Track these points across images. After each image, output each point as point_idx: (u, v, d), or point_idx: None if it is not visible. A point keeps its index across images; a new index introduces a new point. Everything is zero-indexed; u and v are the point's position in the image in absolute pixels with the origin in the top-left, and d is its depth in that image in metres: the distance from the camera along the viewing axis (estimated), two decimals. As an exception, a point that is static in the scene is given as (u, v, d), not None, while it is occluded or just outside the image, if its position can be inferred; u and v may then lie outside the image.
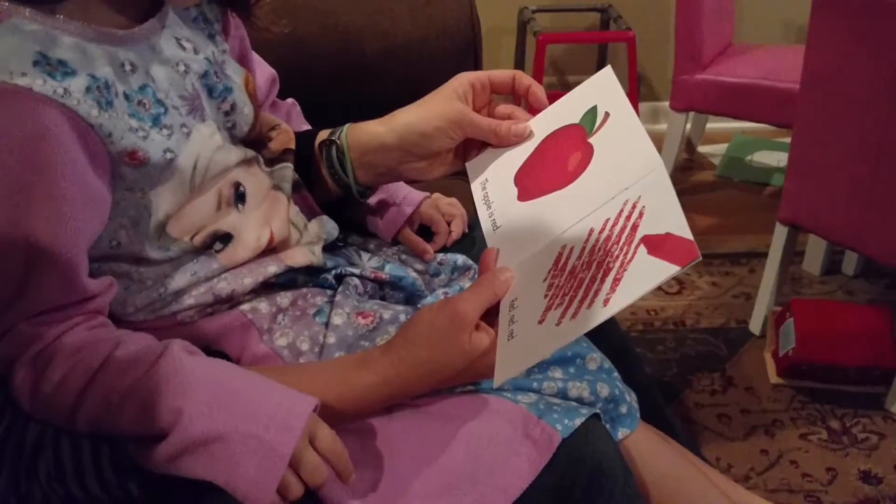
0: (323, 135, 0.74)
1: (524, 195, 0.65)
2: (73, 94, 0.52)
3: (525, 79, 0.69)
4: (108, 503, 0.55)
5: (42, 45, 0.53)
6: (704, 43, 1.90)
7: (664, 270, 0.54)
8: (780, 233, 1.48)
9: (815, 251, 1.73)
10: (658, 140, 2.08)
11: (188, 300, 0.63)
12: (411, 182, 0.82)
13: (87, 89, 0.53)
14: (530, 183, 0.65)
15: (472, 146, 0.71)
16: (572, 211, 0.61)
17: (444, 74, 0.70)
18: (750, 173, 2.20)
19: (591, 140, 0.64)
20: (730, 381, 1.48)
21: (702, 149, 2.33)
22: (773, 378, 1.47)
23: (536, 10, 2.21)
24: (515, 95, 0.70)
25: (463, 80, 0.69)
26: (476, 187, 0.68)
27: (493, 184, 0.67)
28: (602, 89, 0.67)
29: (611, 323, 0.89)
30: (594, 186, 0.62)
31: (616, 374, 0.71)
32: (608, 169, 0.62)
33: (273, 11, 0.71)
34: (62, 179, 0.53)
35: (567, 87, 2.33)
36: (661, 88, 2.38)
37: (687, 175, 2.23)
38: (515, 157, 0.68)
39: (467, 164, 0.71)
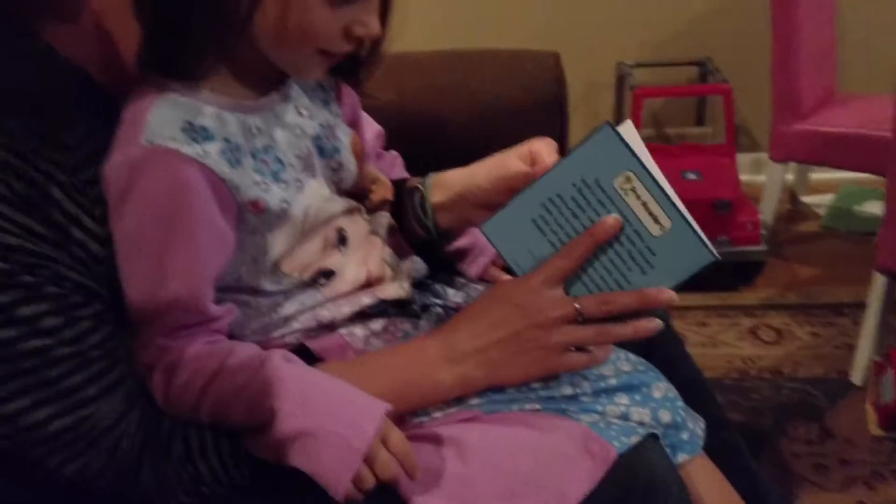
0: (412, 182, 0.84)
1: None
2: (211, 155, 0.64)
3: None
4: (226, 480, 0.66)
5: (189, 114, 0.65)
6: (803, 93, 1.91)
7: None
8: (879, 281, 1.46)
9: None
10: (758, 191, 2.09)
11: (295, 325, 0.74)
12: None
13: (222, 151, 0.65)
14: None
15: None
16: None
17: (531, 130, 0.80)
18: (857, 223, 2.16)
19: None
20: (828, 431, 1.45)
21: (806, 199, 2.30)
22: (874, 429, 1.44)
23: (634, 65, 2.27)
24: None
25: (532, 143, 0.78)
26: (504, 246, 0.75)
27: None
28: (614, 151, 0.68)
29: (684, 358, 0.93)
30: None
31: (680, 402, 0.76)
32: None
33: (378, 78, 0.82)
34: (198, 223, 0.64)
35: (666, 140, 2.37)
36: (763, 139, 2.38)
37: (790, 226, 2.21)
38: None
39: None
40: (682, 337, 0.97)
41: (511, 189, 0.75)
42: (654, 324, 0.71)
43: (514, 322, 0.70)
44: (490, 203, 0.78)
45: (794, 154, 1.97)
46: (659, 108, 2.40)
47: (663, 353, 0.86)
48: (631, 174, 0.67)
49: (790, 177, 2.27)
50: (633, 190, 0.67)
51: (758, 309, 1.84)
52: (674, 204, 0.66)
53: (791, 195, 2.30)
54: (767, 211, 2.04)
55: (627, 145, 0.66)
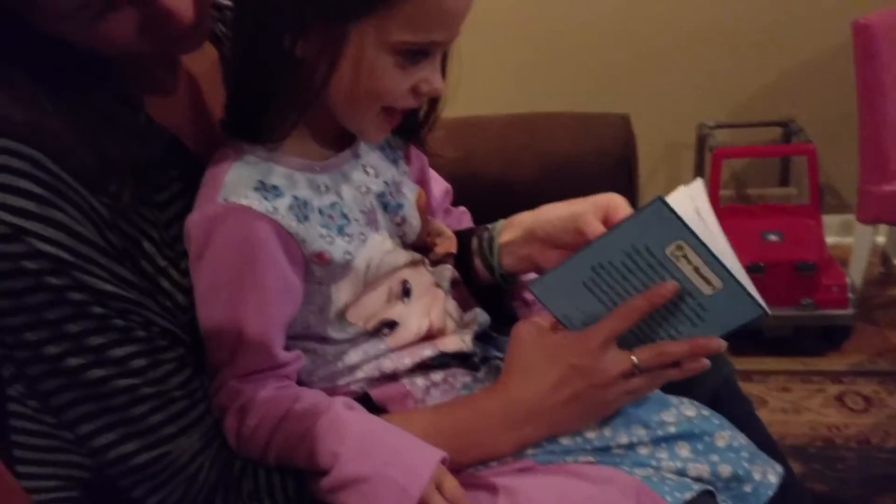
0: (481, 226, 0.90)
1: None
2: (280, 211, 0.69)
3: None
4: None
5: (262, 174, 0.70)
6: (891, 153, 1.86)
7: None
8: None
9: None
10: (847, 253, 2.03)
11: (359, 374, 0.77)
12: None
13: (290, 207, 0.70)
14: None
15: None
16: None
17: (599, 190, 0.82)
18: (955, 287, 2.07)
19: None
20: (921, 505, 1.39)
21: (900, 262, 2.22)
22: (970, 505, 1.36)
23: (715, 126, 2.26)
24: None
25: (605, 195, 0.81)
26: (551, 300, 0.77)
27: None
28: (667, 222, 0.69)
29: (751, 419, 0.92)
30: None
31: (745, 452, 0.75)
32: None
33: (446, 137, 0.87)
34: (268, 275, 0.69)
35: (747, 201, 2.35)
36: (851, 200, 2.32)
37: (882, 290, 2.13)
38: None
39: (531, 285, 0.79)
40: (750, 399, 0.96)
41: (579, 231, 0.78)
42: (701, 363, 0.72)
43: (574, 383, 0.72)
44: (557, 240, 0.82)
45: (883, 216, 1.90)
46: (742, 167, 2.38)
47: (729, 413, 0.85)
48: (682, 243, 0.68)
49: (881, 239, 2.19)
50: (685, 256, 0.68)
51: (845, 375, 1.77)
52: (724, 266, 0.68)
53: (883, 258, 2.22)
54: (856, 274, 1.98)
55: (679, 217, 0.67)
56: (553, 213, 0.83)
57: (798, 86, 2.30)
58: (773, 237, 1.92)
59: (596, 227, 0.77)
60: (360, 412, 0.71)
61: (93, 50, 0.65)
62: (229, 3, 0.85)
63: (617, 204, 0.80)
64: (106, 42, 0.63)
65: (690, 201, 0.73)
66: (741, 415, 0.90)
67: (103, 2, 0.60)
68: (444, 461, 0.67)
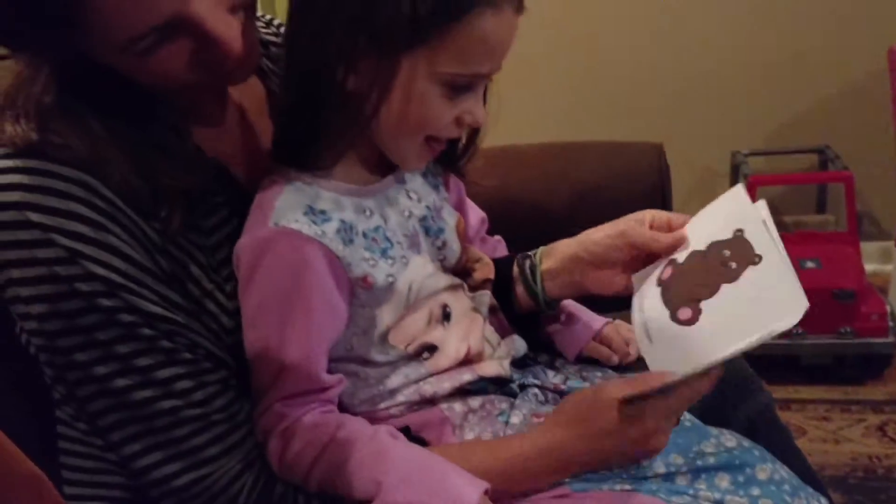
0: (522, 254, 0.91)
1: (674, 309, 0.73)
2: (327, 234, 0.71)
3: None
4: None
5: (310, 199, 0.73)
6: (930, 180, 1.85)
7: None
8: None
9: None
10: (886, 281, 2.00)
11: (399, 397, 0.78)
12: (598, 304, 0.94)
13: (337, 231, 0.72)
14: (677, 292, 0.75)
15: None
16: (721, 337, 0.68)
17: None
18: None
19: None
20: (966, 538, 1.35)
21: (942, 290, 2.18)
22: None
23: (749, 154, 2.25)
24: None
25: (645, 211, 0.83)
26: (635, 298, 0.79)
27: (648, 293, 0.77)
28: (738, 207, 0.77)
29: (792, 451, 0.90)
30: (739, 311, 0.69)
31: (787, 486, 0.74)
32: (753, 297, 0.69)
33: (483, 167, 0.88)
34: (315, 297, 0.71)
35: (783, 228, 2.33)
36: (891, 227, 2.29)
37: (924, 317, 2.09)
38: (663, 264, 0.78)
39: (633, 276, 0.81)
40: (788, 428, 0.95)
41: (631, 245, 0.80)
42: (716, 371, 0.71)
43: (625, 450, 0.71)
44: (606, 260, 0.83)
45: (923, 243, 1.88)
46: (777, 195, 2.36)
47: (768, 442, 0.84)
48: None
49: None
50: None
51: (887, 404, 1.74)
52: (781, 250, 0.71)
53: (925, 286, 2.18)
54: (895, 302, 1.95)
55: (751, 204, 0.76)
56: (597, 236, 0.85)
57: (834, 112, 2.29)
58: (810, 264, 1.91)
59: (648, 235, 0.80)
60: (404, 441, 0.72)
61: (147, 81, 0.68)
62: (274, 39, 0.88)
63: (655, 214, 0.82)
64: (159, 73, 0.66)
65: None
66: (780, 445, 0.89)
67: (157, 34, 0.63)
68: (486, 492, 0.67)
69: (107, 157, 0.67)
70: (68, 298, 0.65)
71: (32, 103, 0.67)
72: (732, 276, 0.71)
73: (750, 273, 0.70)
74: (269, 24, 0.92)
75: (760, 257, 0.71)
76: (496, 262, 0.92)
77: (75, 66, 0.68)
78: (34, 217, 0.64)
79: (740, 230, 0.74)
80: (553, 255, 0.88)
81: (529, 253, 0.91)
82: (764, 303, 0.68)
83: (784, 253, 0.70)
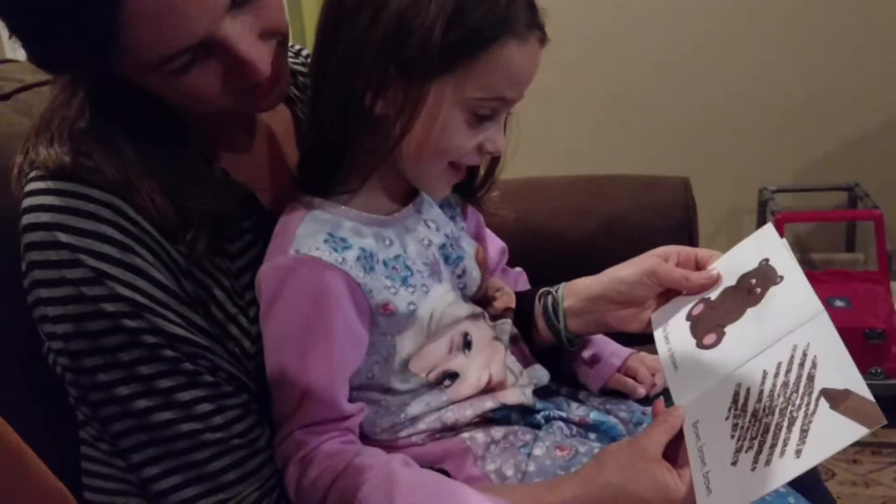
0: (544, 289, 0.90)
1: (700, 337, 0.73)
2: (348, 262, 0.71)
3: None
4: None
5: (331, 227, 0.73)
6: (962, 219, 1.82)
7: (852, 431, 0.59)
8: None
9: None
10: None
11: (421, 425, 0.78)
12: (619, 336, 0.93)
13: (358, 258, 0.72)
14: (704, 323, 0.74)
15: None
16: (742, 349, 0.69)
17: None
18: None
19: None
20: None
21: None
22: None
23: (776, 191, 2.24)
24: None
25: (668, 247, 0.83)
26: (658, 332, 0.78)
27: (674, 327, 0.77)
28: (765, 242, 0.77)
29: (823, 499, 0.89)
30: (759, 325, 0.69)
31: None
32: (772, 310, 0.69)
33: (501, 197, 0.89)
34: (336, 323, 0.71)
35: (812, 266, 2.30)
36: (922, 266, 2.25)
37: (957, 359, 2.04)
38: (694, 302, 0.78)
39: (652, 315, 0.81)
40: (817, 469, 0.92)
41: (659, 283, 0.80)
42: None
43: (643, 496, 0.68)
44: (632, 297, 0.83)
45: (956, 283, 1.85)
46: (806, 232, 2.34)
47: (795, 483, 0.82)
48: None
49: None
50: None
51: (919, 449, 1.70)
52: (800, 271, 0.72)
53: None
54: (927, 341, 1.91)
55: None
56: (622, 273, 0.84)
57: (863, 150, 2.27)
58: (840, 304, 1.88)
59: (679, 274, 0.80)
60: (416, 468, 0.72)
61: (179, 101, 0.69)
62: (302, 69, 0.90)
63: (680, 250, 0.82)
64: (191, 94, 0.67)
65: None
66: (808, 486, 0.87)
67: (190, 54, 0.64)
68: None
69: (136, 180, 0.68)
70: (93, 318, 0.65)
71: (66, 127, 0.69)
72: (756, 300, 0.72)
73: (771, 291, 0.71)
74: (297, 54, 0.94)
75: (782, 277, 0.72)
76: (517, 295, 0.92)
77: (109, 91, 0.69)
78: (63, 238, 0.65)
79: (766, 259, 0.75)
80: (576, 293, 0.88)
81: (551, 289, 0.90)
82: (780, 310, 0.69)
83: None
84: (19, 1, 0.60)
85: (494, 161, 0.81)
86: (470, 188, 0.84)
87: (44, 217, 0.66)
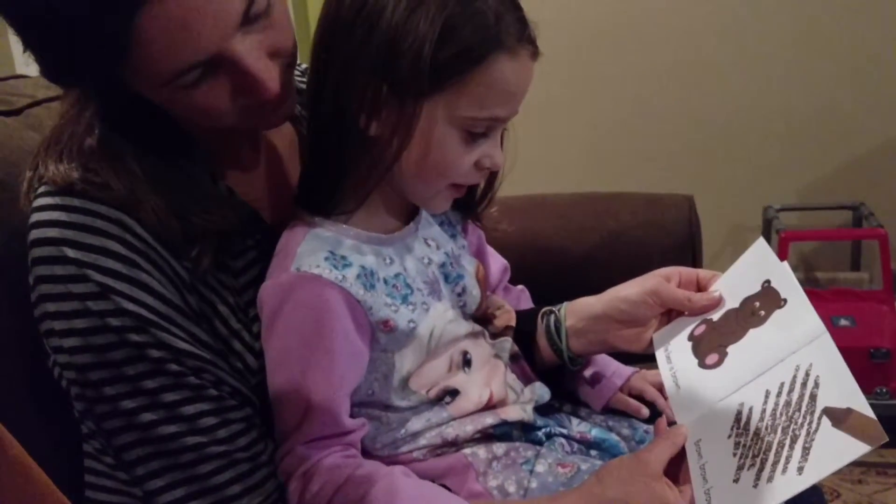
0: (546, 308, 0.90)
1: (702, 357, 0.74)
2: (348, 279, 0.72)
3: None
4: None
5: (332, 245, 0.74)
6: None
7: (854, 448, 0.59)
8: None
9: None
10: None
11: (422, 441, 0.78)
12: (620, 356, 0.93)
13: (358, 276, 0.73)
14: (706, 343, 0.75)
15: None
16: (744, 369, 0.69)
17: None
18: None
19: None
20: None
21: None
22: None
23: (781, 209, 2.24)
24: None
25: (671, 268, 0.83)
26: (660, 352, 0.79)
27: (676, 347, 0.78)
28: (763, 260, 0.78)
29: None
30: (762, 346, 0.70)
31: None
32: (774, 331, 0.70)
33: (500, 213, 0.89)
34: (337, 340, 0.71)
35: (817, 285, 2.29)
36: (928, 286, 2.25)
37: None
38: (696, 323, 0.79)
39: (654, 335, 0.81)
40: (821, 489, 0.92)
41: (661, 304, 0.81)
42: None
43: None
44: (634, 317, 0.83)
45: (961, 303, 1.85)
46: (810, 251, 2.34)
47: (799, 504, 0.83)
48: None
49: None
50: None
51: (925, 469, 1.69)
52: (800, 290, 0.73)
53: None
54: (934, 362, 1.90)
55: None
56: (625, 293, 0.84)
57: (868, 169, 2.27)
58: (844, 322, 1.87)
59: (681, 295, 0.80)
60: (416, 479, 0.72)
61: (188, 115, 0.70)
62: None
63: (682, 271, 0.83)
64: (201, 108, 0.68)
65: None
66: (812, 505, 0.87)
67: (200, 70, 0.65)
68: None
69: (143, 196, 0.69)
70: (99, 333, 0.66)
71: (76, 143, 0.70)
72: (759, 322, 0.73)
73: (775, 315, 0.72)
74: (304, 73, 0.95)
75: (786, 300, 0.72)
76: (518, 314, 0.92)
77: (119, 107, 0.70)
78: (70, 253, 0.66)
79: (767, 280, 0.75)
80: (577, 312, 0.88)
81: (553, 308, 0.90)
82: (783, 332, 0.70)
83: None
84: (36, 16, 0.61)
85: (493, 175, 0.81)
86: (469, 204, 0.84)
87: (51, 232, 0.67)
